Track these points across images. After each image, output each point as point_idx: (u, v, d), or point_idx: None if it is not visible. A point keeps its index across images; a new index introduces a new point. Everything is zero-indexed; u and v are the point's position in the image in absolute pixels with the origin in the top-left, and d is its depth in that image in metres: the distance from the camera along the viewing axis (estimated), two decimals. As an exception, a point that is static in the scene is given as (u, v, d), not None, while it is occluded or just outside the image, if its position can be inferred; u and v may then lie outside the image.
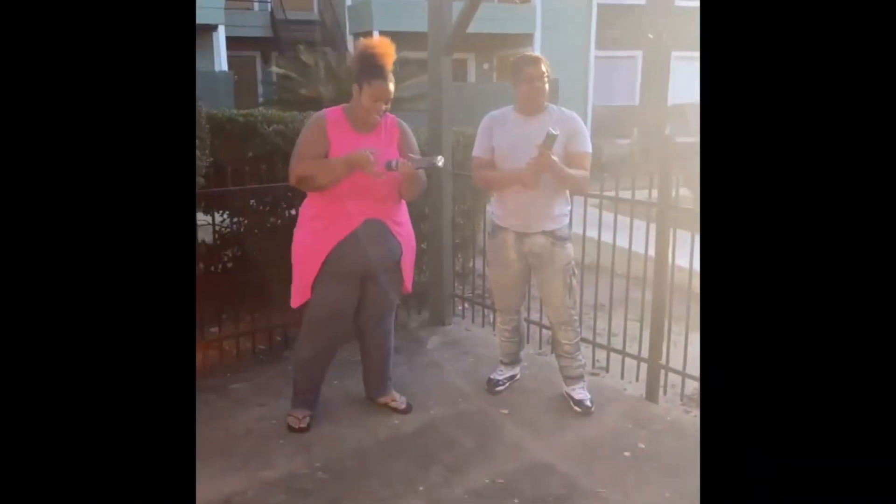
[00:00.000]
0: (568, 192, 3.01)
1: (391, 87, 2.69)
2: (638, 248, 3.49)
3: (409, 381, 3.38)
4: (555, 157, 2.70)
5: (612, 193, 3.40)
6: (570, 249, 3.01)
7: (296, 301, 2.89)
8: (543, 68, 2.85)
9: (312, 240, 2.79)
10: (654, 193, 3.16)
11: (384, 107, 2.71)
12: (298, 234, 2.85)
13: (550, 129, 2.66)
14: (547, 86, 2.88)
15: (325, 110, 2.85)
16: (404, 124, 2.89)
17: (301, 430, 2.92)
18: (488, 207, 4.78)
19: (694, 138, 3.05)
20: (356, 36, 12.33)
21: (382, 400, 3.11)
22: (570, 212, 3.08)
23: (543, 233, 2.93)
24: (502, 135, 2.93)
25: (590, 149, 2.90)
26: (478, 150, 2.99)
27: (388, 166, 2.66)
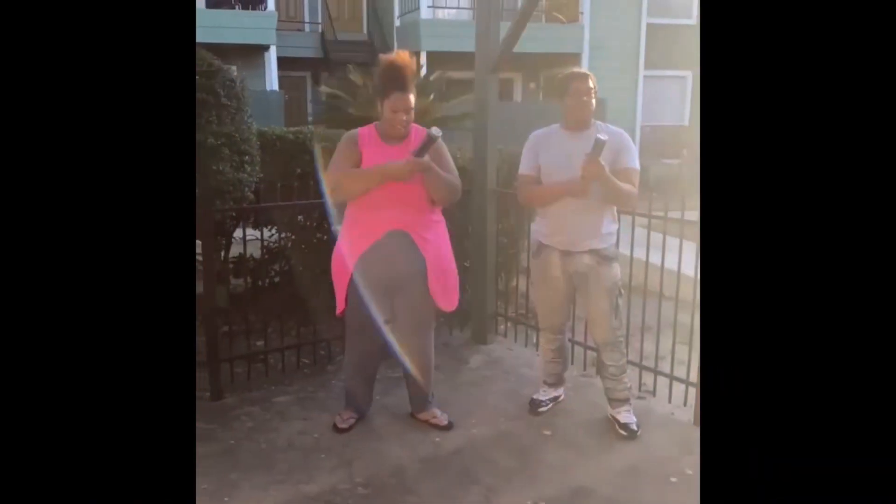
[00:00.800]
0: (615, 210, 2.97)
1: (411, 98, 2.77)
2: (687, 270, 3.42)
3: (451, 399, 3.36)
4: (604, 163, 2.67)
5: (661, 213, 3.34)
6: (617, 269, 2.96)
7: (338, 309, 2.99)
8: (591, 84, 2.84)
9: (343, 251, 2.89)
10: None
11: (405, 117, 2.78)
12: (336, 246, 2.96)
13: (598, 135, 2.64)
14: (594, 101, 2.86)
15: (358, 128, 2.95)
16: (432, 132, 2.92)
17: (341, 431, 3.01)
18: (532, 226, 4.78)
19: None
20: (404, 56, 12.50)
21: (423, 417, 3.11)
22: (618, 231, 3.03)
23: (590, 251, 2.90)
24: (548, 151, 2.92)
25: (638, 165, 2.87)
26: (524, 168, 2.98)
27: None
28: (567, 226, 2.90)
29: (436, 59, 11.35)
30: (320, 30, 14.46)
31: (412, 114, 2.81)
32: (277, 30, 12.10)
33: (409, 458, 2.83)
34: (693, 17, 13.79)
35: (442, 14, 12.40)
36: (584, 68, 12.38)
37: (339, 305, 2.96)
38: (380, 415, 3.20)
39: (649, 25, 13.03)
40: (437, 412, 3.12)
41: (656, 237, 3.36)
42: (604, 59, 11.98)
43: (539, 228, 3.05)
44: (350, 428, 3.05)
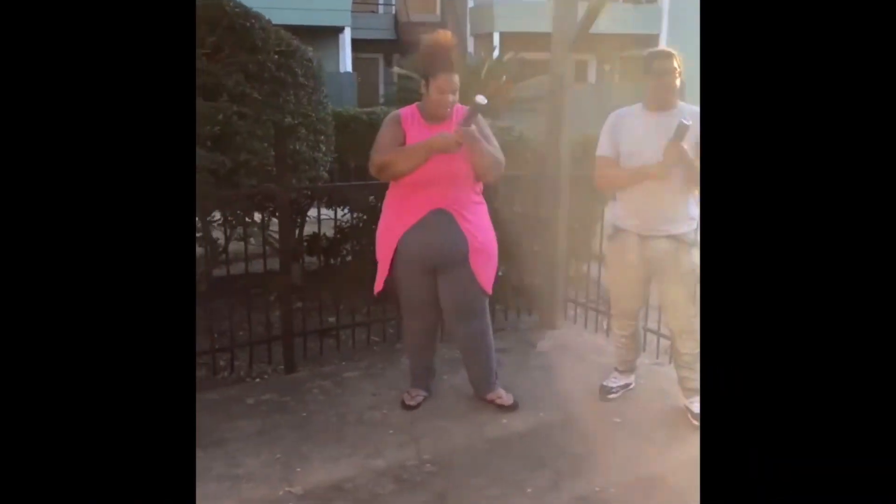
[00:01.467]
0: (697, 193, 2.88)
1: (456, 78, 2.76)
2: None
3: (519, 382, 3.35)
4: (686, 146, 2.59)
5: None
6: (697, 255, 2.87)
7: (376, 287, 3.02)
8: (675, 63, 2.74)
9: (386, 230, 2.91)
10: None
11: (452, 98, 2.77)
12: (379, 225, 2.98)
13: (682, 119, 2.56)
14: (678, 81, 2.76)
15: (400, 109, 2.95)
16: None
17: (409, 408, 3.06)
18: (606, 209, 4.69)
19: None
20: (477, 37, 12.41)
21: (489, 397, 3.11)
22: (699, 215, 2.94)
23: (668, 236, 2.82)
24: (629, 132, 2.84)
25: None
26: (602, 150, 2.92)
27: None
28: (645, 209, 2.82)
29: (509, 39, 11.23)
30: (394, 11, 14.53)
31: (458, 94, 2.79)
32: (352, 11, 12.22)
33: (476, 438, 2.84)
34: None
35: (516, -6, 12.26)
36: (661, 49, 12.08)
37: (378, 285, 2.99)
38: (447, 394, 3.22)
39: (732, 4, 12.53)
40: (502, 392, 3.11)
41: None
42: (682, 39, 11.59)
43: (616, 211, 2.99)
44: (418, 405, 3.09)
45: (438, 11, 14.83)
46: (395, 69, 7.61)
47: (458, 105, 2.86)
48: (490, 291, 2.99)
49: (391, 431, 2.89)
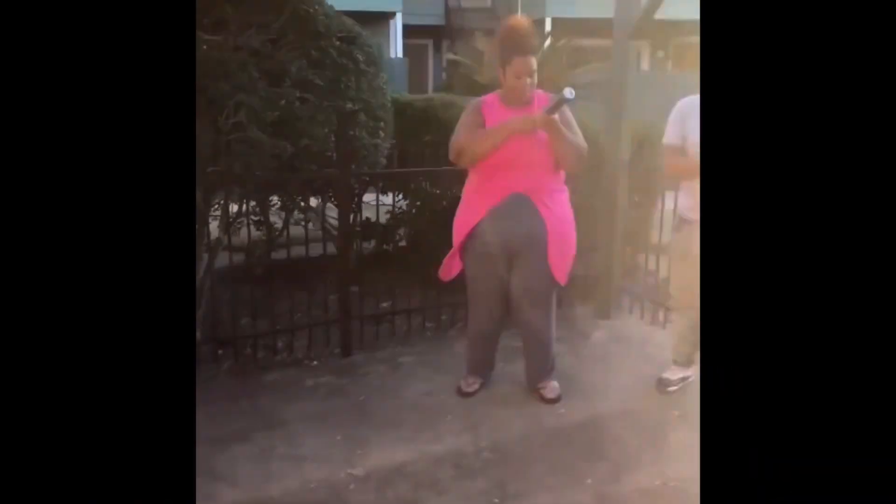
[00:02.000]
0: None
1: (533, 61, 2.73)
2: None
3: (574, 373, 3.33)
4: None
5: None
6: (764, 248, 2.81)
7: (443, 273, 3.02)
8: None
9: (463, 215, 2.90)
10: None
11: (529, 81, 2.73)
12: (458, 211, 2.97)
13: None
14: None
15: (481, 97, 2.94)
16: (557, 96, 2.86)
17: (467, 395, 3.07)
18: (676, 199, 4.61)
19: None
20: (528, 23, 12.31)
21: (537, 386, 3.09)
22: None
23: (734, 229, 2.76)
24: (697, 121, 2.77)
25: None
26: (669, 138, 2.87)
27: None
28: (712, 200, 2.76)
29: (561, 25, 11.08)
30: (444, -3, 14.47)
31: (535, 77, 2.76)
32: (402, -3, 12.22)
33: (534, 427, 2.84)
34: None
35: (569, -21, 12.08)
36: (717, 36, 11.78)
37: (447, 270, 2.99)
38: (503, 382, 3.22)
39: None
40: (551, 384, 3.08)
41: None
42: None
43: (683, 202, 2.93)
44: (475, 393, 3.10)
45: (489, -3, 14.71)
46: (449, 55, 7.59)
47: (540, 92, 2.84)
48: (564, 282, 2.96)
49: (448, 417, 2.90)
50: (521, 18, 2.80)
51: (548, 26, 11.65)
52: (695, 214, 2.85)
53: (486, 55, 6.86)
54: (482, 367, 3.17)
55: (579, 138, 2.81)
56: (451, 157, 2.83)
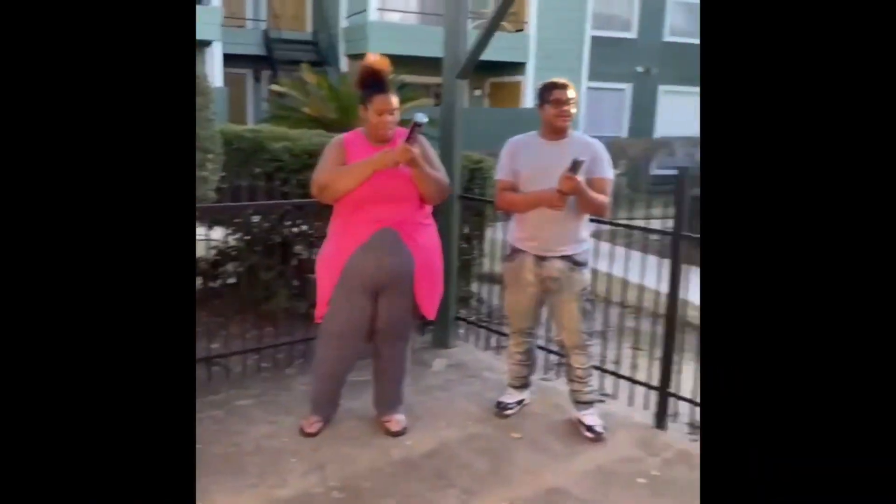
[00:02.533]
0: (587, 218, 3.04)
1: (394, 98, 2.79)
2: (633, 276, 3.53)
3: (418, 402, 3.36)
4: (581, 179, 2.75)
5: (627, 222, 3.44)
6: (587, 275, 3.04)
7: (319, 315, 2.92)
8: (571, 94, 2.90)
9: (331, 253, 2.85)
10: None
11: (391, 118, 2.78)
12: (323, 248, 2.92)
13: (578, 156, 2.72)
14: (573, 111, 2.92)
15: (343, 134, 2.95)
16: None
17: (310, 435, 2.97)
18: (488, 232, 4.83)
19: (676, 171, 3.13)
20: (351, 57, 12.41)
21: (382, 420, 3.09)
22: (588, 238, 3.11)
23: (562, 257, 2.96)
24: (528, 159, 2.96)
25: (611, 175, 2.95)
26: (502, 174, 3.02)
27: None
28: (543, 232, 2.95)
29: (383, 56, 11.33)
30: (263, 27, 14.22)
31: (396, 114, 2.81)
32: (221, 26, 11.84)
33: (381, 461, 2.82)
34: (633, 31, 14.24)
35: (390, 17, 12.39)
36: (528, 78, 12.58)
37: (320, 309, 2.90)
38: (347, 419, 3.17)
39: (593, 38, 13.36)
40: (397, 417, 3.09)
41: (605, 246, 3.46)
42: (548, 68, 12.20)
43: (514, 233, 3.09)
44: (318, 432, 3.02)
45: (309, 29, 14.68)
46: (275, 86, 7.44)
47: (400, 128, 2.87)
48: (433, 317, 2.99)
49: (294, 459, 2.80)
50: (378, 57, 2.83)
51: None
52: (525, 245, 3.02)
53: (314, 87, 6.81)
54: (328, 405, 3.09)
55: (441, 172, 2.89)
56: (314, 192, 2.79)
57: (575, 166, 2.71)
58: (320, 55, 13.35)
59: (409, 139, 2.68)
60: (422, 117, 2.68)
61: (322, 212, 3.95)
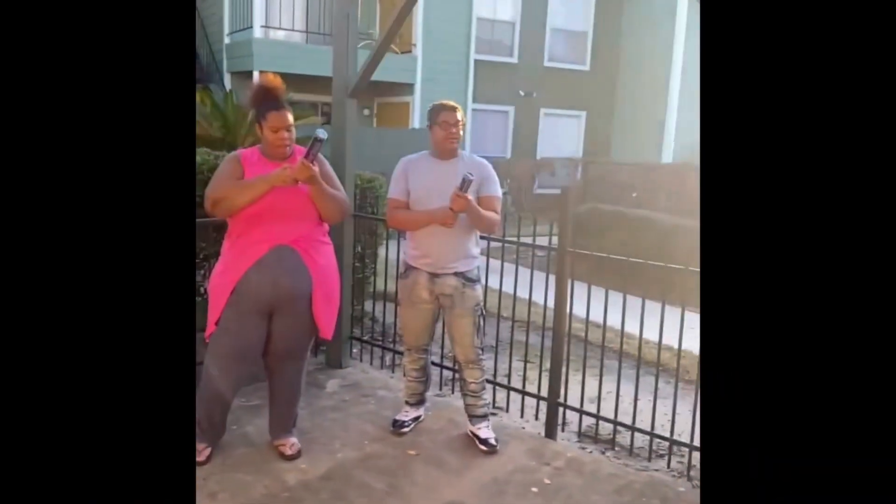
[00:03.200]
0: (478, 235, 3.13)
1: (288, 115, 2.77)
2: (521, 291, 3.66)
3: (312, 424, 3.31)
4: (471, 197, 2.83)
5: (514, 239, 3.57)
6: (480, 291, 3.12)
7: (207, 332, 2.83)
8: (459, 116, 2.99)
9: (223, 271, 2.77)
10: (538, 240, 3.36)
11: (287, 134, 2.76)
12: (216, 267, 2.84)
13: (468, 173, 2.80)
14: (462, 132, 3.01)
15: (240, 150, 2.90)
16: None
17: (199, 464, 2.85)
18: (381, 250, 4.85)
19: (557, 190, 3.30)
20: (235, 74, 12.10)
21: (276, 443, 3.03)
22: (479, 255, 3.19)
23: (455, 273, 3.03)
24: (418, 178, 3.02)
25: (500, 193, 3.06)
26: (393, 193, 3.06)
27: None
28: (435, 249, 3.00)
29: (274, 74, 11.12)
30: (140, 41, 13.61)
31: (293, 131, 2.78)
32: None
33: (276, 487, 2.75)
34: (514, 56, 14.77)
35: (275, 34, 12.20)
36: (416, 99, 12.75)
37: (209, 328, 2.80)
38: (239, 445, 3.07)
39: (477, 61, 13.73)
40: (288, 441, 3.02)
41: (495, 263, 3.58)
42: (435, 90, 12.42)
43: (408, 251, 3.13)
44: (208, 460, 2.89)
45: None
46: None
47: (298, 146, 2.82)
48: (330, 336, 2.95)
49: (182, 490, 2.68)
50: (271, 75, 2.80)
51: (255, 79, 11.64)
52: (418, 262, 3.06)
53: (201, 106, 6.58)
54: (214, 430, 2.97)
55: (341, 191, 2.87)
56: (207, 206, 2.68)
57: (464, 184, 2.79)
58: (201, 72, 12.93)
59: (309, 156, 2.65)
60: (322, 133, 2.66)
61: (209, 231, 3.85)
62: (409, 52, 12.92)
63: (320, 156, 2.77)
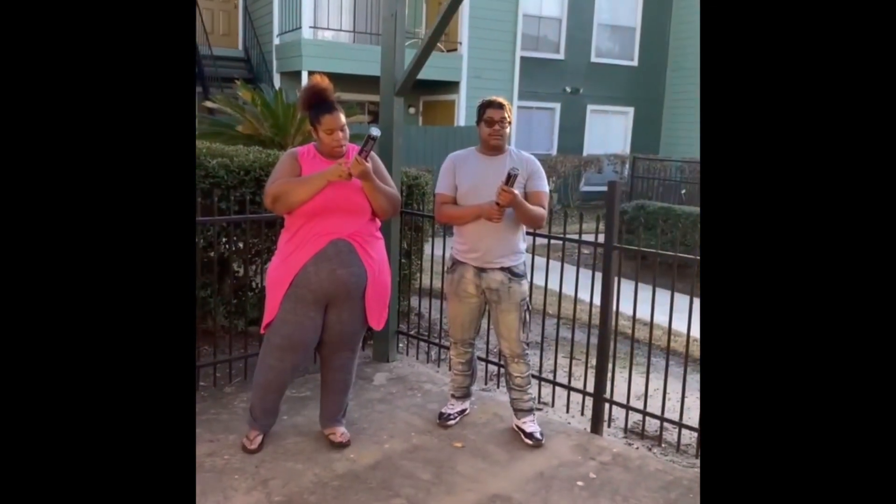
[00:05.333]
0: (524, 231, 3.15)
1: (341, 116, 2.85)
2: (567, 289, 3.67)
3: (361, 416, 3.38)
4: (517, 192, 2.86)
5: (560, 235, 3.57)
6: (526, 286, 3.14)
7: (265, 326, 2.93)
8: (506, 113, 3.01)
9: (282, 265, 2.86)
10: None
11: (342, 134, 2.84)
12: (272, 261, 2.93)
13: (513, 168, 2.83)
14: (508, 129, 3.04)
15: (297, 147, 2.99)
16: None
17: (251, 452, 2.97)
18: (426, 247, 4.90)
19: (604, 187, 3.28)
20: (284, 75, 12.33)
21: (326, 431, 3.11)
22: (525, 250, 3.22)
23: (502, 269, 3.06)
24: (465, 174, 3.06)
25: (547, 189, 3.08)
26: (441, 188, 3.10)
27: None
28: (482, 244, 3.04)
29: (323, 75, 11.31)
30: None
31: (347, 130, 2.86)
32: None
33: (326, 475, 2.83)
34: (561, 53, 14.67)
35: (323, 35, 12.40)
36: (462, 97, 12.78)
37: (267, 319, 2.90)
38: (291, 434, 3.16)
39: (523, 58, 13.69)
40: (340, 429, 3.11)
41: (541, 260, 3.58)
42: (480, 88, 12.44)
43: (455, 246, 3.17)
44: (260, 448, 3.00)
45: (241, 46, 14.52)
46: (206, 102, 7.34)
47: (352, 145, 2.91)
48: (381, 327, 3.04)
49: (237, 476, 2.78)
50: (318, 77, 2.89)
51: (304, 79, 11.83)
52: (466, 257, 3.10)
53: (249, 104, 6.76)
54: (267, 417, 3.08)
55: (392, 187, 2.94)
56: (267, 203, 2.79)
57: (510, 179, 2.81)
58: (252, 72, 13.21)
59: (363, 153, 2.73)
60: (375, 131, 2.74)
61: (261, 228, 3.96)
62: (455, 50, 12.97)
63: (373, 153, 2.84)
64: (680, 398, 3.26)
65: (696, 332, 3.29)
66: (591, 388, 3.46)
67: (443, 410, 3.39)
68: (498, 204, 2.87)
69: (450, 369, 3.44)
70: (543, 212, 3.01)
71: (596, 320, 3.42)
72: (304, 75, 12.00)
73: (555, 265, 3.80)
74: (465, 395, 3.44)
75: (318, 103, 2.84)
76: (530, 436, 3.18)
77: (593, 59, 15.07)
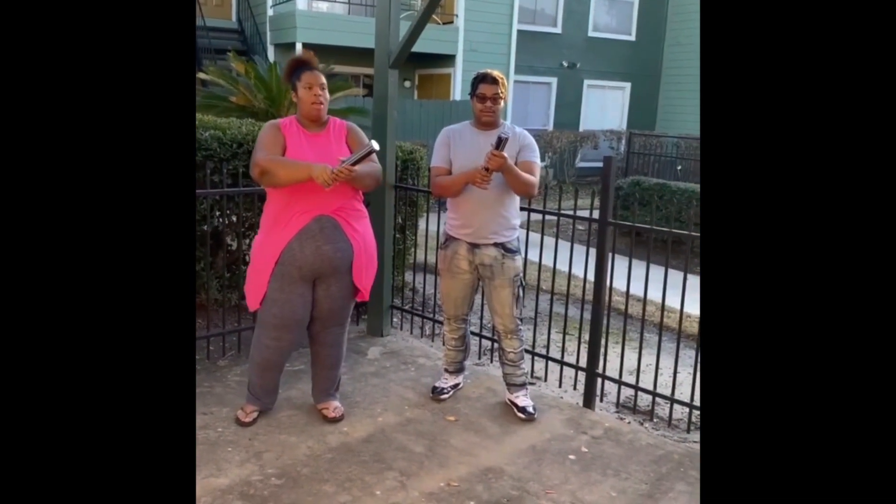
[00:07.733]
0: (518, 207, 3.14)
1: (321, 76, 2.84)
2: (561, 265, 3.67)
3: (354, 389, 3.40)
4: (507, 156, 2.82)
5: (555, 211, 3.56)
6: (519, 262, 3.14)
7: (252, 304, 2.92)
8: (500, 88, 2.98)
9: (267, 241, 2.84)
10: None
11: (320, 92, 2.81)
12: (257, 238, 2.91)
13: (502, 132, 2.82)
14: (502, 103, 3.01)
15: (279, 119, 2.97)
16: (352, 124, 3.01)
17: (245, 425, 2.98)
18: (421, 222, 4.89)
19: (600, 163, 3.27)
20: (278, 47, 12.19)
21: (320, 406, 3.13)
22: (518, 227, 3.21)
23: (495, 244, 3.05)
24: (460, 147, 3.04)
25: (538, 161, 3.06)
26: (436, 161, 3.09)
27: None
28: (476, 220, 3.03)
29: (310, 51, 11.19)
30: (186, 14, 13.76)
31: (326, 91, 2.84)
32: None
33: (319, 447, 2.85)
34: (558, 26, 14.54)
35: (318, 6, 12.24)
36: (457, 70, 12.67)
37: (257, 298, 2.89)
38: (284, 408, 3.18)
39: (519, 32, 13.56)
40: (334, 403, 3.13)
41: (535, 237, 3.58)
42: (476, 61, 12.33)
43: (449, 222, 3.16)
44: (254, 421, 3.01)
45: (234, 18, 14.33)
46: (201, 74, 7.26)
47: (334, 118, 2.90)
48: (368, 298, 3.06)
49: (230, 449, 2.79)
50: (306, 51, 2.90)
51: (298, 51, 11.69)
52: (459, 233, 3.09)
53: (243, 75, 6.69)
54: (267, 395, 3.08)
55: (375, 163, 2.90)
56: (254, 173, 2.75)
57: (500, 143, 2.78)
58: (245, 44, 13.06)
59: (350, 159, 2.67)
60: (375, 145, 2.72)
61: (254, 202, 3.93)
62: (451, 22, 12.83)
63: (355, 127, 2.88)
64: (672, 373, 3.28)
65: (689, 308, 3.30)
66: (583, 363, 3.48)
67: (436, 384, 3.41)
68: (487, 169, 2.83)
69: (443, 344, 3.45)
70: (535, 179, 2.98)
71: (590, 296, 3.43)
72: (299, 47, 11.87)
73: (549, 241, 3.79)
74: (458, 369, 3.45)
75: (299, 65, 2.85)
76: (523, 410, 3.20)
77: (590, 33, 14.96)
